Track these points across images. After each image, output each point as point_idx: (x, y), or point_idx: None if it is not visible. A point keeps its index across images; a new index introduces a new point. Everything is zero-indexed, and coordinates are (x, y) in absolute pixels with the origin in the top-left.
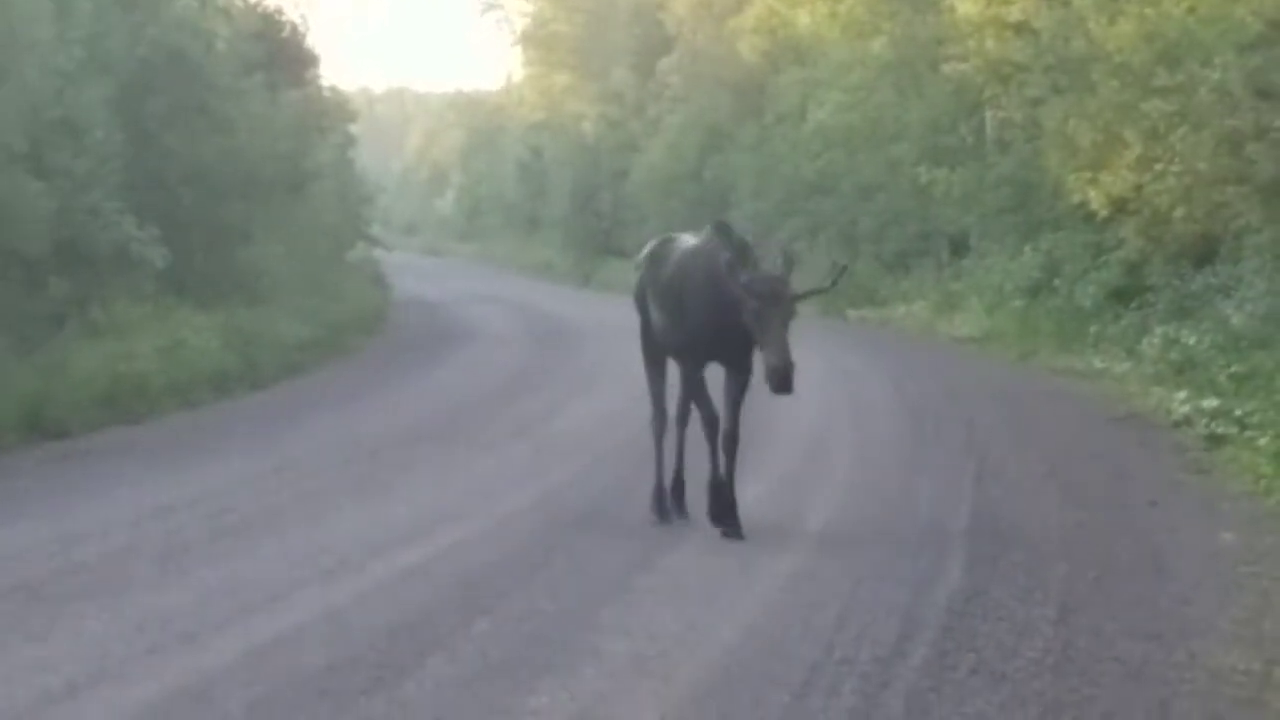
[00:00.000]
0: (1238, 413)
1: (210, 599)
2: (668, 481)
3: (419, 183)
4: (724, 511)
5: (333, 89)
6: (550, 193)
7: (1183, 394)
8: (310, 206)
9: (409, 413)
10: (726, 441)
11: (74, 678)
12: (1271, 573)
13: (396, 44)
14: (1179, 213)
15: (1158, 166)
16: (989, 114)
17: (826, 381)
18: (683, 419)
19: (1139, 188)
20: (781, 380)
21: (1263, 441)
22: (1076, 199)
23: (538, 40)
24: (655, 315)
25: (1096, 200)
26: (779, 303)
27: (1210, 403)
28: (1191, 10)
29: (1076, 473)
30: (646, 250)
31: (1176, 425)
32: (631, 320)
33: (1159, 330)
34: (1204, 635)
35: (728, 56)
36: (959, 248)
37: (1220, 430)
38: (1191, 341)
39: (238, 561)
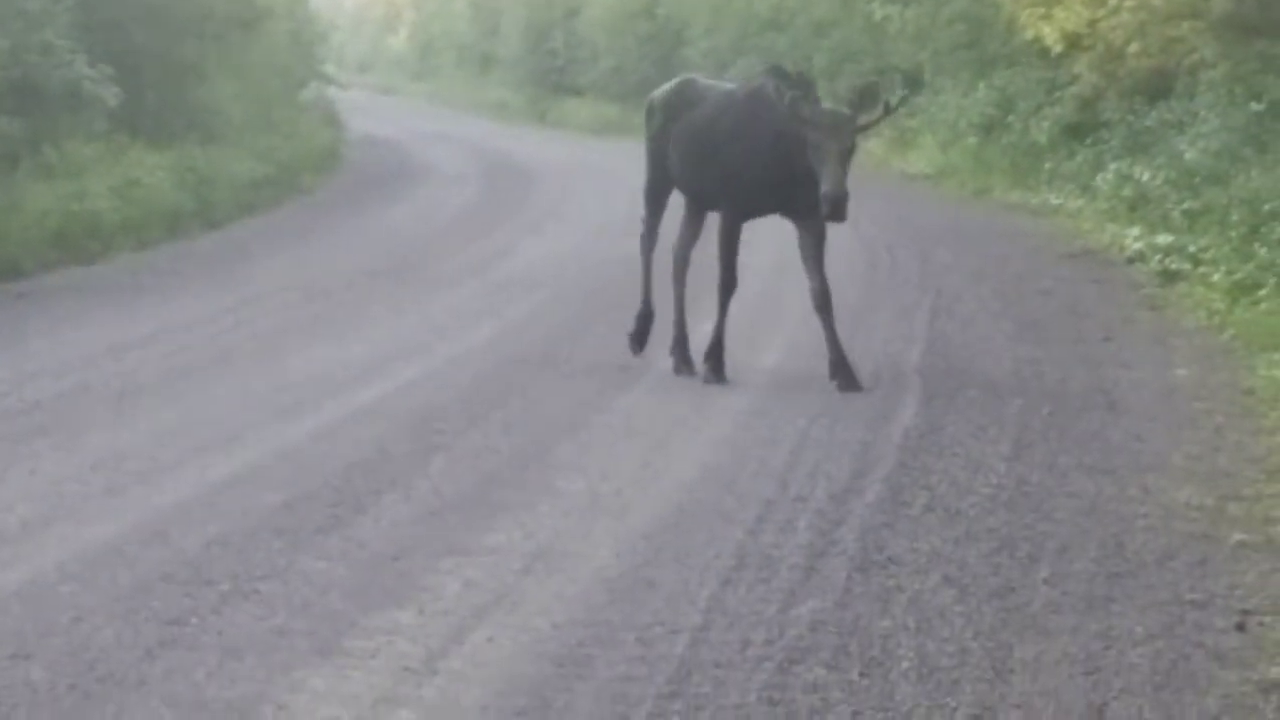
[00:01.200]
0: (1191, 249)
1: (165, 438)
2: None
3: (372, 21)
4: (841, 366)
5: None
6: (503, 31)
7: (1136, 230)
8: (263, 45)
9: (364, 251)
10: (821, 299)
11: (28, 517)
12: (1224, 408)
13: None
14: (1133, 48)
15: (1111, 1)
16: None
17: (781, 218)
18: (681, 265)
19: (1093, 23)
20: (835, 207)
21: (1216, 277)
22: (1030, 35)
23: None
24: (679, 160)
25: (1050, 36)
26: (839, 135)
27: (1164, 239)
28: None
29: (1030, 309)
30: (663, 93)
31: (1130, 261)
32: (585, 159)
33: (1113, 166)
34: (1157, 471)
35: None
36: (913, 84)
37: (1174, 266)
38: (1145, 177)
39: (192, 401)
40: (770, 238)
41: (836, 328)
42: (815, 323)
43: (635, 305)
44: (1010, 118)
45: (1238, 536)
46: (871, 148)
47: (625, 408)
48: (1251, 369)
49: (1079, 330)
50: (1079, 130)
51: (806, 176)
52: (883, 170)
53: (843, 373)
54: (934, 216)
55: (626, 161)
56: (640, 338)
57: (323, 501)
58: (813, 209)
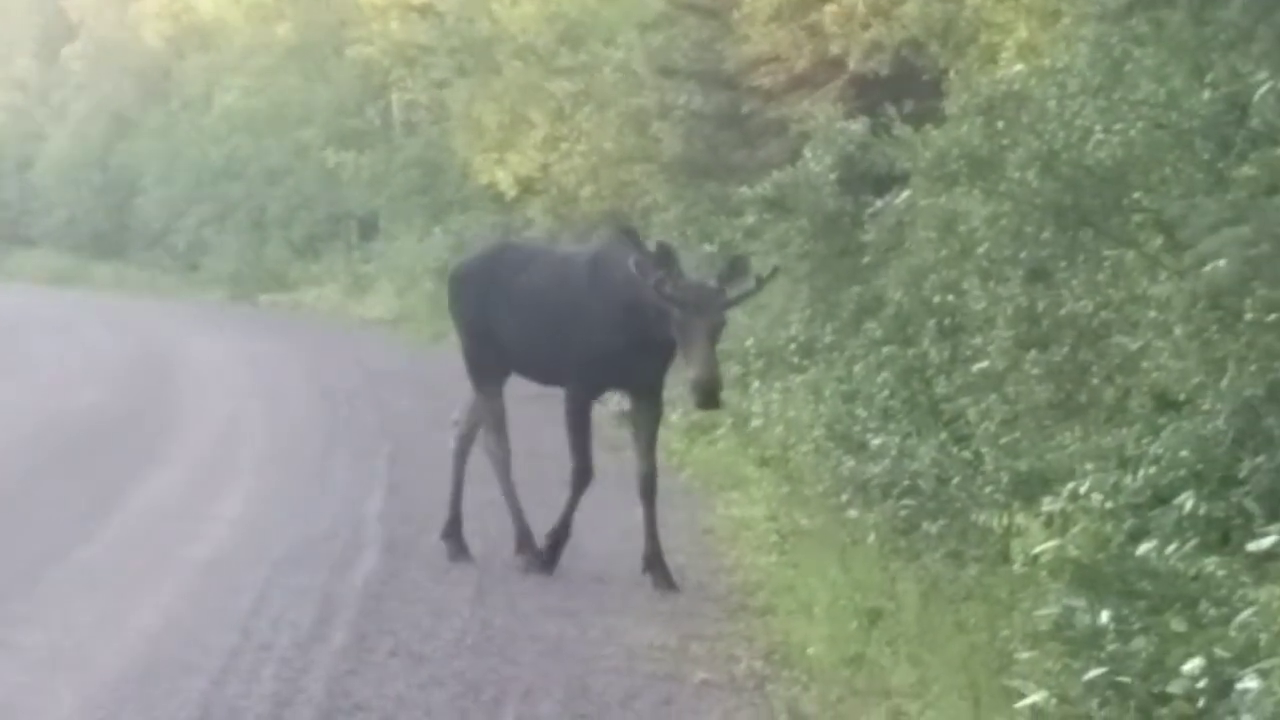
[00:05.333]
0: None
1: None
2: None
3: None
4: (656, 561)
5: None
6: None
7: None
8: None
9: None
10: (648, 485)
11: None
12: (685, 548)
13: None
14: (586, 191)
15: (564, 146)
16: (395, 97)
17: (236, 366)
18: (465, 450)
19: (546, 167)
20: (706, 395)
21: (674, 417)
22: (485, 180)
23: None
24: (512, 326)
25: (504, 181)
26: (705, 312)
27: None
28: None
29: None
30: (481, 256)
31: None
32: (39, 311)
33: None
34: (620, 613)
35: (132, 42)
36: (369, 230)
37: None
38: None
39: None
40: (222, 381)
41: (654, 515)
42: (275, 467)
43: (96, 454)
44: None
45: (701, 675)
46: (328, 293)
47: (84, 560)
48: (710, 508)
49: (541, 472)
50: None
51: (662, 349)
52: (341, 316)
53: (657, 568)
54: (392, 362)
55: (82, 312)
56: (455, 546)
57: None
58: (657, 387)
